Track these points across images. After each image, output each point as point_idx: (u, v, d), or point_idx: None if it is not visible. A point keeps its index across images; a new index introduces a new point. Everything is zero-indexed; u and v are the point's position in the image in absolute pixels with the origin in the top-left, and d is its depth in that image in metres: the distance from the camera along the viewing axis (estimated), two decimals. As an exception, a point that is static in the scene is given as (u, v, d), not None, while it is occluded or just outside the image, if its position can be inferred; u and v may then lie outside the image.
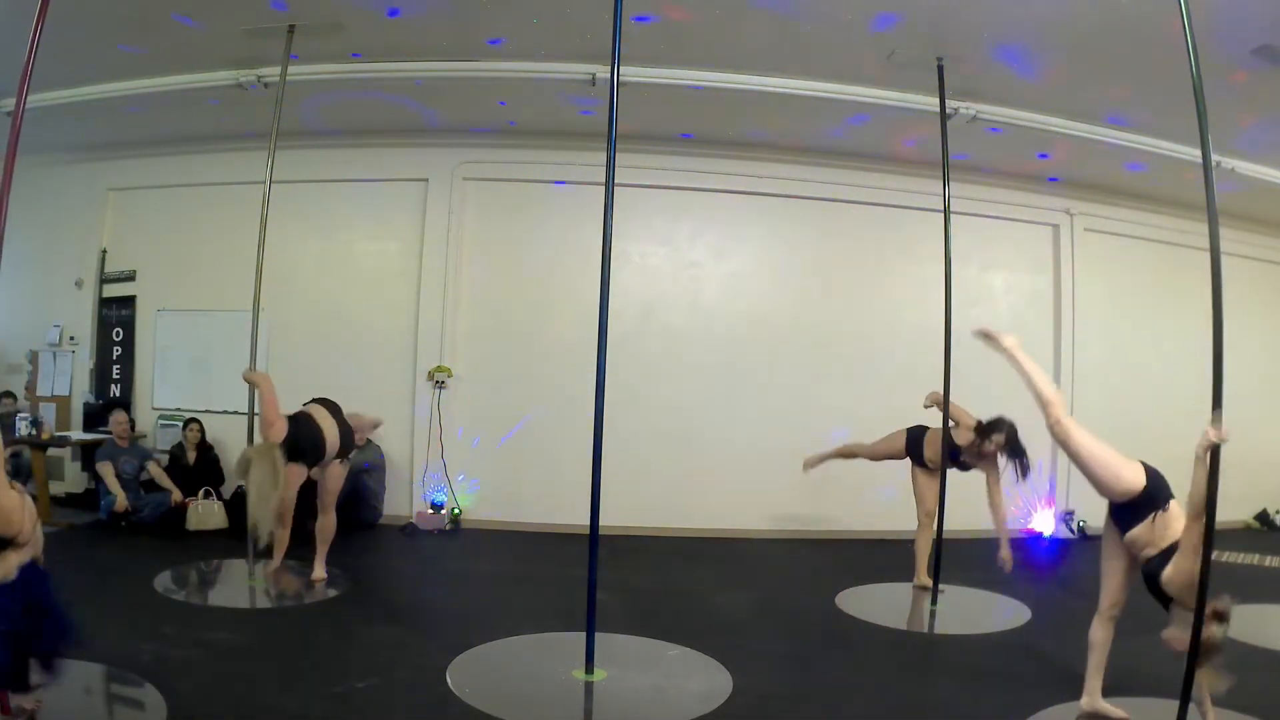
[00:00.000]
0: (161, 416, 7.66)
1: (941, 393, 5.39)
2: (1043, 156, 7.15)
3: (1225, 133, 6.21)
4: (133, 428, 7.21)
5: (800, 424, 7.47)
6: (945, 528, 5.35)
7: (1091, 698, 3.62)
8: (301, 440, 4.87)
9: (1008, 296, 7.94)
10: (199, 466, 7.03)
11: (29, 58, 3.43)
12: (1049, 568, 6.67)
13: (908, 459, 5.72)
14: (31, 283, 7.90)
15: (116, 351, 7.85)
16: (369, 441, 7.17)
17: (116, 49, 5.63)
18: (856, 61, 5.61)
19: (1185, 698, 3.24)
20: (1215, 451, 3.11)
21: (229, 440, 7.30)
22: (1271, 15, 4.51)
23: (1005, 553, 4.99)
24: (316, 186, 7.51)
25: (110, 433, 6.94)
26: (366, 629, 4.46)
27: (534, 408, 7.33)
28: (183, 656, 3.85)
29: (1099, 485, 3.41)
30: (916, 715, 3.67)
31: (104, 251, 7.91)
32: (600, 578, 3.96)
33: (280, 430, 4.81)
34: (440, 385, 7.30)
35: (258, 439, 5.08)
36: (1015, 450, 5.09)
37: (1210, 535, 3.22)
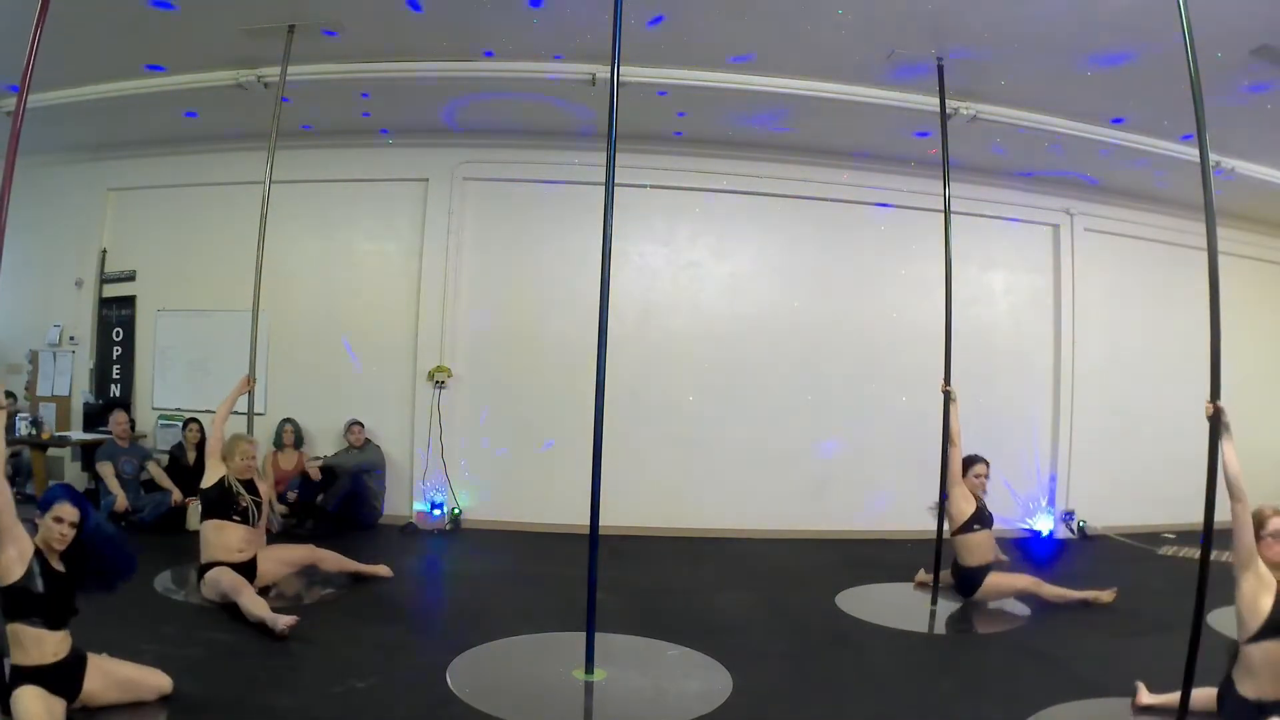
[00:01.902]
0: (161, 416, 7.67)
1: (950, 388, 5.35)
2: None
3: (1225, 133, 6.22)
4: (133, 428, 7.21)
5: (800, 424, 7.50)
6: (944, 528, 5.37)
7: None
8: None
9: (1008, 296, 7.95)
10: (199, 466, 6.99)
11: (29, 58, 3.44)
12: (1049, 567, 6.66)
13: None
14: (31, 283, 7.91)
15: (116, 351, 7.85)
16: (368, 441, 7.19)
17: (116, 47, 5.63)
18: (856, 61, 5.61)
19: (1185, 697, 3.25)
20: (1214, 443, 3.12)
21: (229, 440, 7.30)
22: (1271, 15, 4.51)
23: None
24: (316, 186, 7.51)
25: (110, 433, 6.94)
26: (366, 629, 4.46)
27: (533, 407, 7.33)
28: (183, 656, 3.84)
29: None
30: (916, 715, 3.66)
31: (104, 251, 7.91)
32: (600, 578, 3.96)
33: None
34: (440, 385, 7.30)
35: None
36: None
37: (1209, 535, 3.23)
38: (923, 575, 5.64)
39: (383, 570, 5.47)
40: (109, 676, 3.24)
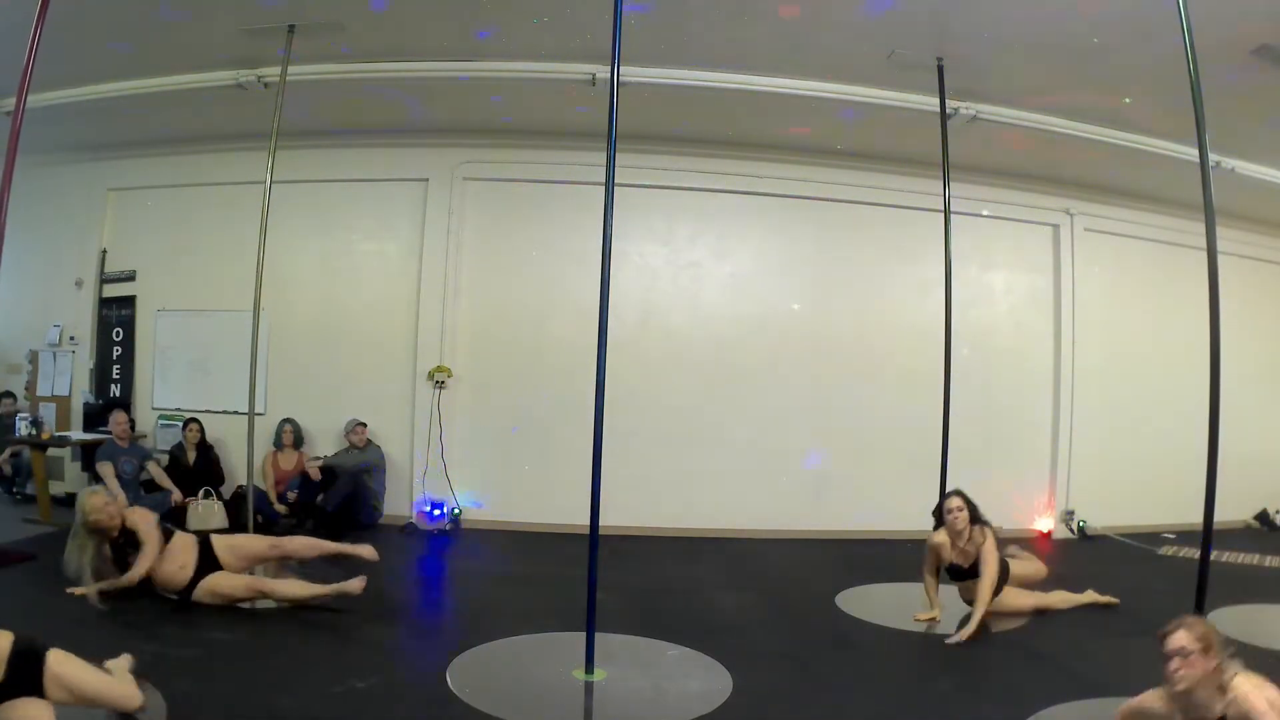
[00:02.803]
0: (161, 416, 7.66)
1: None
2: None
3: (1224, 133, 6.21)
4: (133, 428, 7.21)
5: (800, 424, 7.50)
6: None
7: None
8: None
9: (1008, 296, 7.95)
10: (199, 466, 7.04)
11: (29, 58, 3.44)
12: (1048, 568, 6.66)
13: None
14: (31, 283, 7.91)
15: (116, 351, 7.85)
16: (369, 441, 7.19)
17: (114, 48, 5.62)
18: (856, 61, 5.61)
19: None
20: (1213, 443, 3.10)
21: (229, 440, 7.31)
22: (1271, 15, 4.52)
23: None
24: (316, 186, 7.51)
25: (110, 433, 6.94)
26: (366, 629, 4.46)
27: (533, 408, 7.33)
28: (182, 656, 3.84)
29: None
30: (916, 715, 3.66)
31: (104, 251, 7.91)
32: (600, 578, 3.96)
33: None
34: (440, 385, 7.30)
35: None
36: None
37: (1209, 535, 3.23)
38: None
39: (366, 551, 4.93)
40: (70, 691, 2.85)
